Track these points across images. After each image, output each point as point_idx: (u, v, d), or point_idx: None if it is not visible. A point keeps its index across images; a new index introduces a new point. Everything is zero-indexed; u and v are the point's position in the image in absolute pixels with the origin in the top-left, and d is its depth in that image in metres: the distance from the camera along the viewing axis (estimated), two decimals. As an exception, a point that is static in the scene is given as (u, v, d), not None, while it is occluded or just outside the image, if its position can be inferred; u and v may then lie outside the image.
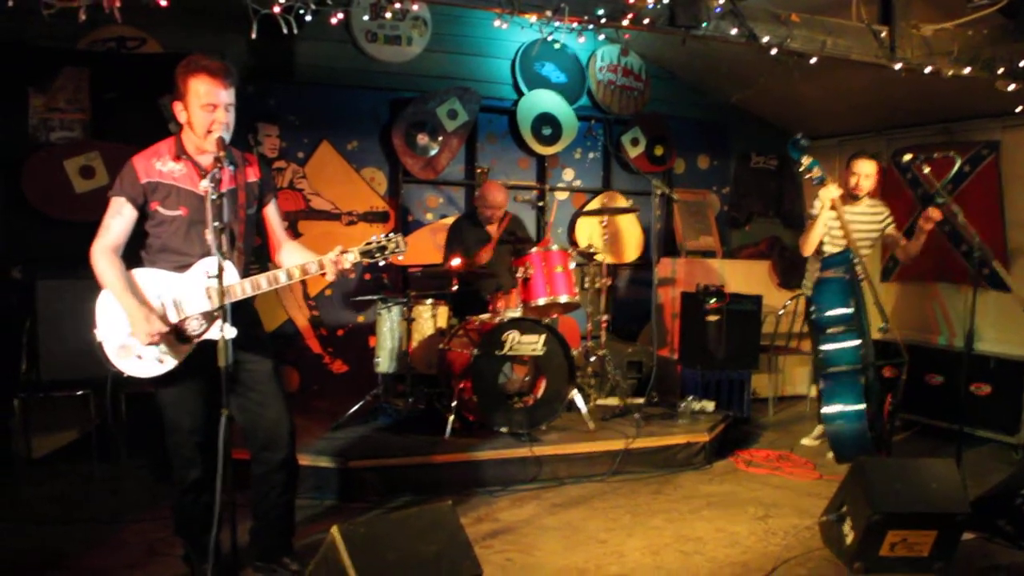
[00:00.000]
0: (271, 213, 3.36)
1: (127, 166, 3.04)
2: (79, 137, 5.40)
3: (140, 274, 3.06)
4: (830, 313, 4.83)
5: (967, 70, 4.94)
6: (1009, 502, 3.94)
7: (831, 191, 4.93)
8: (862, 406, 4.66)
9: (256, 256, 3.35)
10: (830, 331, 4.84)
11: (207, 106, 2.94)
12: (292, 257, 3.29)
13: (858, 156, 5.31)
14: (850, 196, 5.27)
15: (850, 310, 4.78)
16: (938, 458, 3.76)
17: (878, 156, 5.44)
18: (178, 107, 3.01)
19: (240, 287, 3.03)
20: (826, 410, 4.79)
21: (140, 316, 2.95)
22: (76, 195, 5.28)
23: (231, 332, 2.80)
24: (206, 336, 3.04)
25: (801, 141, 4.98)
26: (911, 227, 6.75)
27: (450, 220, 6.29)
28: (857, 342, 4.78)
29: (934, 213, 4.99)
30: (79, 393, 4.74)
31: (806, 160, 4.91)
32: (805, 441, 5.77)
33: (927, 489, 3.54)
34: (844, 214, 4.96)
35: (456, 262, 5.34)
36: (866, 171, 5.24)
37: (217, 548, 2.87)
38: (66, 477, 4.70)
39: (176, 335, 3.04)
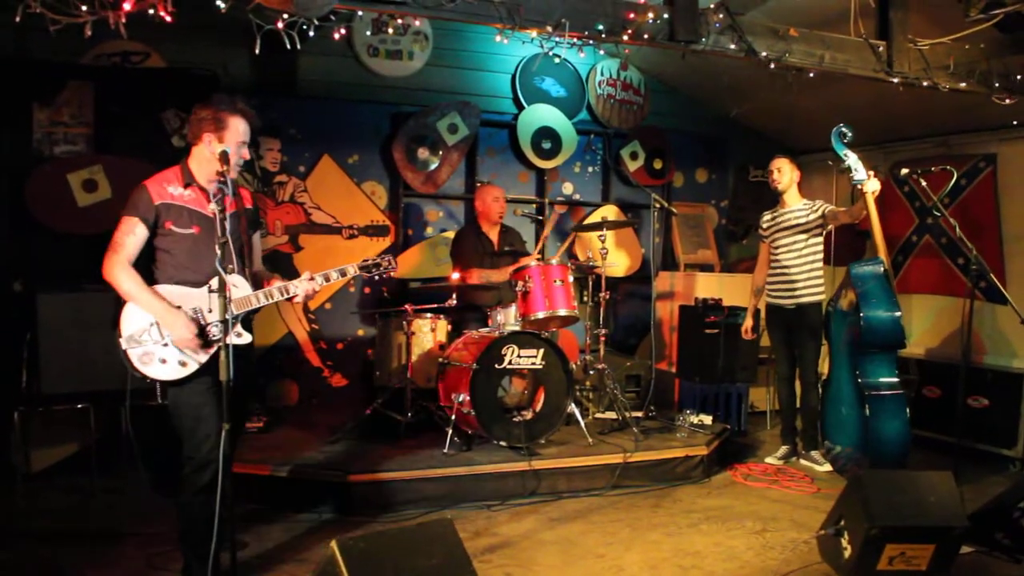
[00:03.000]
0: (255, 241, 3.60)
1: (140, 189, 3.22)
2: (82, 151, 5.45)
3: (160, 290, 3.21)
4: (881, 322, 4.68)
5: (964, 84, 4.97)
6: (1007, 515, 3.93)
7: (875, 183, 4.80)
8: (907, 422, 4.65)
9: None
10: (877, 343, 4.73)
11: (241, 143, 3.32)
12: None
13: (774, 156, 5.60)
14: (774, 193, 5.56)
15: (899, 313, 4.67)
16: (935, 471, 3.76)
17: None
18: (209, 137, 3.25)
19: (255, 297, 3.30)
20: (876, 432, 4.68)
21: (172, 316, 3.15)
22: (79, 208, 5.30)
23: (247, 337, 3.28)
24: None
25: (848, 133, 4.89)
26: (907, 240, 6.80)
27: (450, 234, 6.32)
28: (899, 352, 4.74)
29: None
30: (79, 406, 4.75)
31: (850, 156, 4.85)
32: (770, 460, 5.64)
33: (925, 502, 3.54)
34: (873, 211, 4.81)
35: (455, 276, 5.36)
36: (776, 166, 5.51)
37: (216, 563, 2.87)
38: (65, 491, 4.70)
39: (200, 337, 3.20)
